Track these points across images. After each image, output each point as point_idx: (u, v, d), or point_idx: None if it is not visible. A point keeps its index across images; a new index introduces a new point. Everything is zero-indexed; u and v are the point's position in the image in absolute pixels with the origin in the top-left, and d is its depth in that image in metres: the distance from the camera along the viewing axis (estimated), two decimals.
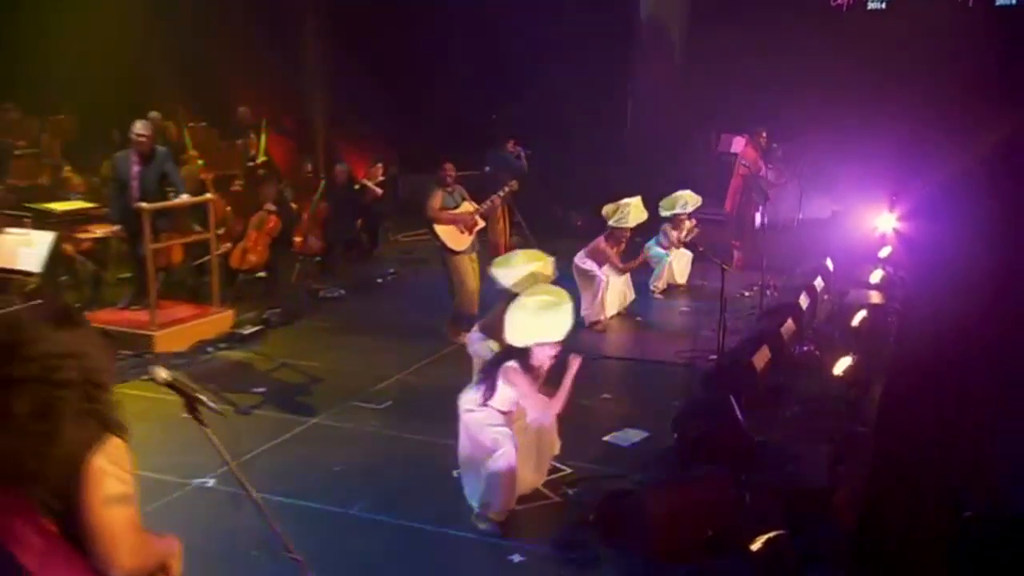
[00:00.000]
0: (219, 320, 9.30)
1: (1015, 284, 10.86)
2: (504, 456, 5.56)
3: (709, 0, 16.53)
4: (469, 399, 5.85)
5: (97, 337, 2.72)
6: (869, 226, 13.02)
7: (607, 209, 10.44)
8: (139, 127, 8.99)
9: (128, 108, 14.28)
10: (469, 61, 15.31)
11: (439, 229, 8.96)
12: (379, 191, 12.65)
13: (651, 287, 11.68)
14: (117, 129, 12.70)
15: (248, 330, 9.29)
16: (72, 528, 2.53)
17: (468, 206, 9.14)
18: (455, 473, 6.33)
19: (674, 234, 11.65)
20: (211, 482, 6.30)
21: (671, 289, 11.73)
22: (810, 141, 14.92)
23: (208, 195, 9.68)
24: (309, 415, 7.69)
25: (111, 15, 14.16)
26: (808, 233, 13.28)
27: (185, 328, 8.94)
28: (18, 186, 12.03)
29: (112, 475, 2.51)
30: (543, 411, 5.84)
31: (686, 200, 11.71)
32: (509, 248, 10.70)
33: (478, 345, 7.24)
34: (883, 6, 18.09)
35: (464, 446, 5.96)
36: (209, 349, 8.93)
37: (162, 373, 3.17)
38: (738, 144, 14.78)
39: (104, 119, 14.50)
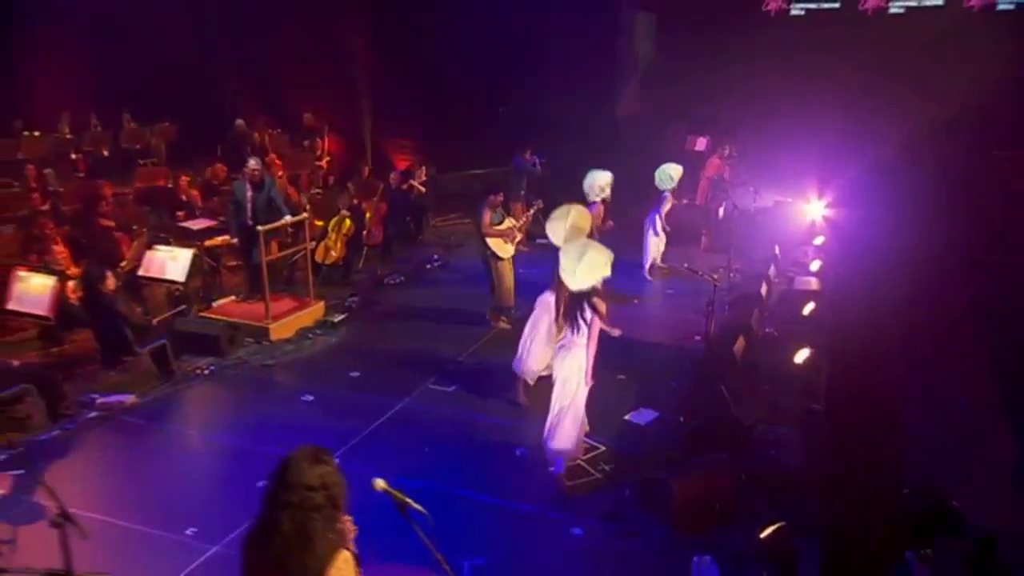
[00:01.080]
0: (315, 310, 9.66)
1: (921, 264, 10.64)
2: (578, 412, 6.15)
3: (674, 26, 16.75)
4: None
5: (338, 471, 3.26)
6: (804, 214, 12.84)
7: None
8: (253, 163, 9.43)
9: (217, 116, 14.69)
10: (486, 76, 15.38)
11: (490, 241, 9.17)
12: (423, 189, 13.04)
13: (646, 272, 11.52)
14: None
15: (337, 318, 9.68)
16: None
17: (510, 221, 9.34)
18: (518, 452, 6.80)
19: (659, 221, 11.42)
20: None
21: (654, 269, 11.59)
22: (759, 138, 15.07)
23: (304, 215, 9.97)
24: (397, 398, 7.78)
25: (198, 36, 14.32)
26: (759, 221, 13.11)
27: (290, 319, 9.30)
28: (141, 188, 12.41)
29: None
30: (610, 329, 6.27)
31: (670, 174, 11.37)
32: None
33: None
34: (803, 12, 18.29)
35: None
36: (309, 336, 9.28)
37: (380, 483, 3.36)
38: (701, 143, 15.17)
39: (197, 125, 14.83)
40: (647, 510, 5.83)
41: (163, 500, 6.06)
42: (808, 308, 9.30)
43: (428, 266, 11.94)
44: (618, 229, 10.10)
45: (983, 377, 8.09)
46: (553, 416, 6.21)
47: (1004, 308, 9.75)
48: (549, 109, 15.77)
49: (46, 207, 11.04)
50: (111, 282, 7.69)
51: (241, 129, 14.49)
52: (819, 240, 12.02)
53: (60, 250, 9.43)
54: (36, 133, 13.96)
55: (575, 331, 6.08)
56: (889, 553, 4.94)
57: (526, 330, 7.71)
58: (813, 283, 10.36)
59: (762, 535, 4.75)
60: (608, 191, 9.61)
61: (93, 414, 7.35)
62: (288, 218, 9.42)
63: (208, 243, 10.16)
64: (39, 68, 14.39)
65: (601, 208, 9.41)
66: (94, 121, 14.66)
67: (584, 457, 6.59)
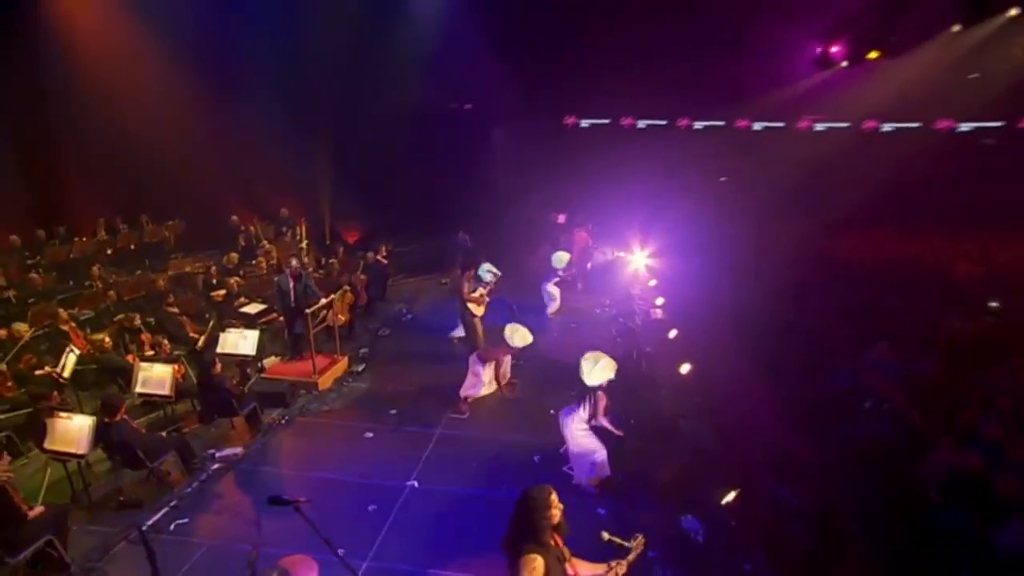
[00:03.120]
0: (342, 364, 9.51)
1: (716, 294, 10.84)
2: (602, 451, 6.32)
3: (524, 136, 17.38)
4: (576, 420, 6.33)
5: (550, 493, 3.69)
6: (632, 263, 12.83)
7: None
8: (294, 263, 9.25)
9: (216, 212, 13.83)
10: (418, 181, 15.41)
11: (469, 304, 9.27)
12: (385, 261, 13.05)
13: (548, 314, 11.63)
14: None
15: (360, 368, 9.58)
16: None
17: (482, 291, 9.41)
18: (536, 458, 6.98)
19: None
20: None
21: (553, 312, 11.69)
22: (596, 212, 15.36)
23: (333, 296, 9.75)
24: (432, 426, 7.77)
25: (193, 146, 13.45)
26: (609, 270, 13.39)
27: (329, 373, 9.15)
28: (173, 276, 11.63)
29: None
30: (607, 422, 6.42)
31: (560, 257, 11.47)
32: None
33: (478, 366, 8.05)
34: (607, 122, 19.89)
35: (573, 447, 6.41)
36: (344, 385, 9.07)
37: (606, 536, 3.74)
38: (561, 218, 15.90)
39: (203, 220, 13.94)
40: (641, 490, 6.36)
41: (304, 528, 5.88)
42: (672, 333, 9.38)
43: (403, 319, 11.91)
44: (524, 286, 10.43)
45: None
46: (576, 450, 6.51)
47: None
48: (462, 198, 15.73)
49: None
50: (219, 366, 7.47)
51: (235, 223, 13.83)
52: (653, 282, 12.32)
53: (146, 337, 8.86)
54: (83, 238, 12.67)
55: (582, 408, 6.37)
56: None
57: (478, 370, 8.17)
58: (660, 314, 10.65)
59: (724, 500, 5.29)
60: (491, 275, 9.58)
61: (216, 466, 7.12)
62: (323, 300, 9.32)
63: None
64: (67, 177, 12.97)
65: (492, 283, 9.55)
66: (120, 223, 13.45)
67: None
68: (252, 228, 13.67)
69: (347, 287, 10.88)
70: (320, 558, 3.56)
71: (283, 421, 8.10)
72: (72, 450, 6.14)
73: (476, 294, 9.43)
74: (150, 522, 6.16)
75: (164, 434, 7.21)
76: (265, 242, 13.14)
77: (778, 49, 17.94)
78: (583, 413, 6.36)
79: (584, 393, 6.35)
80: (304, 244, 13.58)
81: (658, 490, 6.26)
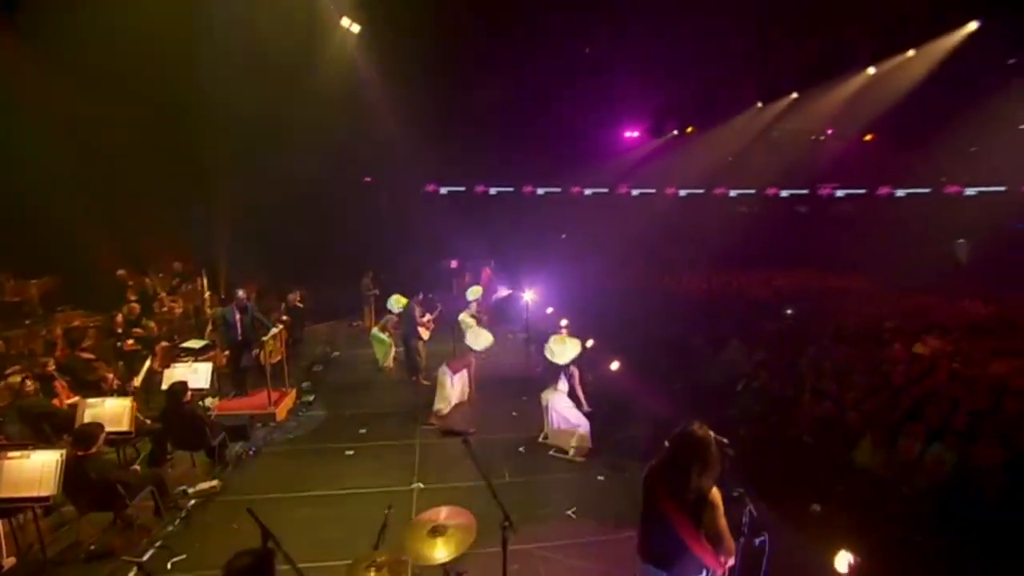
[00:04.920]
0: (291, 396, 8.57)
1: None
2: (585, 425, 6.37)
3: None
4: (560, 396, 6.39)
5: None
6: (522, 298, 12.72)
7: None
8: (241, 293, 8.19)
9: (93, 270, 11.63)
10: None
11: (419, 328, 9.08)
12: (301, 305, 11.98)
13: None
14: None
15: (311, 398, 8.67)
16: (699, 519, 3.17)
17: (429, 316, 9.26)
18: (521, 449, 6.82)
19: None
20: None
21: None
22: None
23: (281, 327, 8.76)
24: (410, 439, 7.26)
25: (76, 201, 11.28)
26: (506, 304, 13.53)
27: (283, 405, 8.16)
28: (65, 330, 9.47)
29: (717, 502, 3.21)
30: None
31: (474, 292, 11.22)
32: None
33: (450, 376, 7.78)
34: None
35: (555, 420, 6.39)
36: (299, 415, 8.13)
37: None
38: (454, 263, 16.04)
39: (78, 276, 11.58)
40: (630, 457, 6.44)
41: (329, 542, 5.12)
42: (590, 342, 9.39)
43: (331, 357, 11.01)
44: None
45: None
46: (562, 425, 6.57)
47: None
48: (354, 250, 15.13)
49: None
50: (189, 394, 6.25)
51: (123, 277, 11.78)
52: (550, 309, 12.70)
53: (60, 385, 7.10)
54: None
55: (562, 383, 6.57)
56: None
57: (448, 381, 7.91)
58: (566, 332, 11.27)
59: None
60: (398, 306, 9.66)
61: (192, 502, 5.86)
62: (275, 329, 8.29)
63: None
64: None
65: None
66: None
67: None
68: (147, 281, 11.72)
69: (281, 325, 9.76)
70: None
71: (250, 452, 6.93)
72: (34, 493, 4.68)
73: (425, 319, 9.14)
74: (143, 558, 4.86)
75: (137, 468, 5.78)
76: (163, 294, 11.33)
77: (601, 130, 20.41)
78: (563, 387, 6.46)
79: (559, 371, 6.52)
80: (208, 295, 11.95)
81: (642, 453, 6.37)
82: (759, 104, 16.17)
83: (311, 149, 14.18)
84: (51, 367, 7.05)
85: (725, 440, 4.22)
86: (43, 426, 6.33)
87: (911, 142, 16.83)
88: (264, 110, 12.59)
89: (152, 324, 9.40)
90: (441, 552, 3.22)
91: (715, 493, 3.21)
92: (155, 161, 12.26)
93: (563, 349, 6.53)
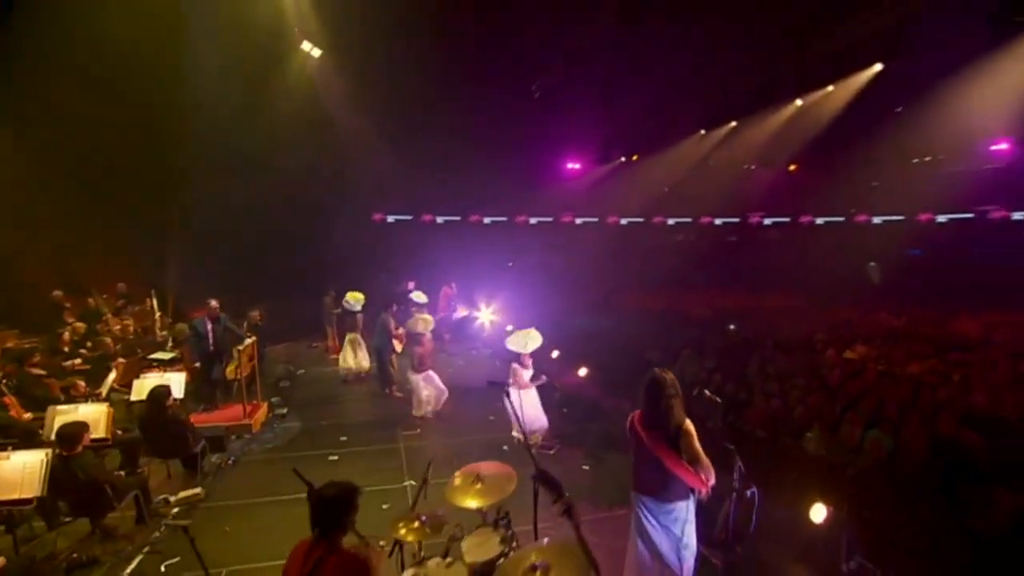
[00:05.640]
0: (264, 409, 8.35)
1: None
2: (543, 419, 6.61)
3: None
4: (525, 387, 6.52)
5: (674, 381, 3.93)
6: (481, 318, 13.32)
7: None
8: (214, 303, 7.99)
9: (23, 291, 10.88)
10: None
11: (394, 341, 9.09)
12: (261, 323, 11.60)
13: None
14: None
15: (284, 411, 8.49)
16: (676, 448, 3.54)
17: (401, 329, 9.24)
18: (505, 448, 6.96)
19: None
20: None
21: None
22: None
23: (252, 338, 8.53)
24: (392, 442, 7.25)
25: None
26: (464, 323, 13.66)
27: (257, 416, 7.97)
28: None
29: (691, 430, 3.57)
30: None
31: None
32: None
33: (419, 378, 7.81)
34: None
35: (528, 414, 6.53)
36: (274, 427, 7.94)
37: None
38: (411, 285, 15.96)
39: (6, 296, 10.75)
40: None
41: None
42: (555, 353, 9.92)
43: (297, 374, 10.77)
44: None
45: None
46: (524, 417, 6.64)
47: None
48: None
49: None
50: (172, 399, 6.08)
51: (59, 299, 11.12)
52: (510, 327, 13.00)
53: (10, 401, 6.67)
54: None
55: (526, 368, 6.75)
56: None
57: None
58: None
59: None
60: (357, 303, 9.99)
61: (176, 509, 5.67)
62: (248, 340, 8.12)
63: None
64: None
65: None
66: None
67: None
68: (91, 301, 11.09)
69: (247, 342, 9.51)
70: None
71: (229, 462, 6.74)
72: (16, 495, 4.44)
73: (399, 331, 9.21)
74: (130, 568, 4.67)
75: (121, 473, 5.51)
76: (108, 315, 10.76)
77: (545, 162, 21.34)
78: (526, 373, 6.59)
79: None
80: (158, 315, 11.43)
81: (618, 443, 6.70)
82: (702, 132, 17.48)
83: (264, 171, 14.07)
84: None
85: (717, 399, 4.70)
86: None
87: (827, 173, 18.67)
88: (216, 131, 12.42)
89: (108, 340, 8.92)
90: (481, 500, 3.39)
91: (688, 423, 3.66)
92: (95, 181, 11.84)
93: (526, 340, 6.60)
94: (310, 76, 13.83)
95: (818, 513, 4.68)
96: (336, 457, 6.94)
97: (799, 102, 14.67)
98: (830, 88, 13.76)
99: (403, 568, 3.48)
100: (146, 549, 4.98)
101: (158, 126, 12.07)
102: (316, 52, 13.24)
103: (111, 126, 11.44)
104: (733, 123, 16.21)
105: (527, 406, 6.55)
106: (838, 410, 7.36)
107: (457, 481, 3.60)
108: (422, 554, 3.54)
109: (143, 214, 12.69)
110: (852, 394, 8.01)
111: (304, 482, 3.18)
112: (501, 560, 3.17)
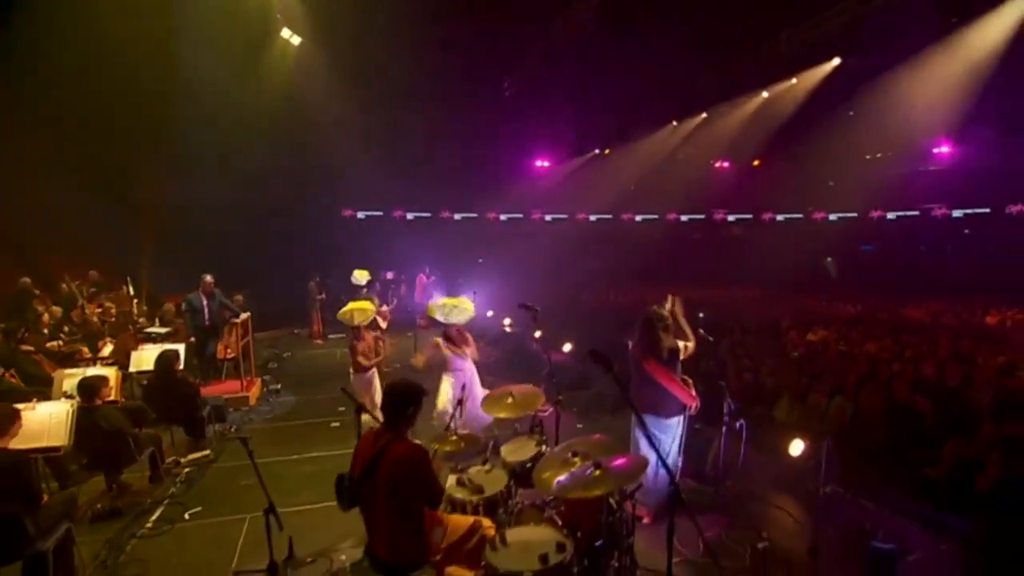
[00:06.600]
0: (258, 384, 8.56)
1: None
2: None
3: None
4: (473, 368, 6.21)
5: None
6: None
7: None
8: (208, 278, 8.12)
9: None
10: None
11: (378, 318, 9.10)
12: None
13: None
14: None
15: (278, 387, 8.67)
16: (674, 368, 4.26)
17: (387, 307, 9.33)
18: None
19: None
20: None
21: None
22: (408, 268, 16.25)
23: (247, 314, 8.61)
24: None
25: None
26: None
27: (253, 391, 8.13)
28: None
29: (681, 347, 4.35)
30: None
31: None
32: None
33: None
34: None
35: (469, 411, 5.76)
36: (269, 401, 8.12)
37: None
38: (390, 274, 16.20)
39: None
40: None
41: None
42: (537, 333, 10.80)
43: (284, 356, 10.87)
44: None
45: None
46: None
47: None
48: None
49: None
50: (180, 363, 6.26)
51: (27, 285, 10.92)
52: (491, 313, 13.07)
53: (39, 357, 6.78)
54: None
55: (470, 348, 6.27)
56: None
57: None
58: (510, 328, 11.86)
59: None
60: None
61: (187, 468, 5.85)
62: (244, 315, 8.26)
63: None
64: None
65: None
66: None
67: None
68: (64, 287, 10.91)
69: (235, 322, 9.60)
70: None
71: (232, 430, 6.92)
72: (45, 443, 4.60)
73: (384, 310, 9.41)
74: (154, 516, 4.88)
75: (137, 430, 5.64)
76: (83, 301, 10.62)
77: (514, 160, 21.83)
78: (472, 353, 6.08)
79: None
80: (135, 302, 11.32)
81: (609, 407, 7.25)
82: (674, 123, 18.25)
83: (240, 163, 14.07)
84: None
85: (709, 337, 5.28)
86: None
87: (789, 168, 19.75)
88: (190, 120, 12.42)
89: (95, 319, 8.88)
90: (512, 412, 4.01)
91: (678, 344, 4.37)
92: (65, 168, 11.69)
93: (451, 309, 6.10)
94: (289, 65, 13.93)
95: (796, 447, 5.25)
96: (338, 424, 7.18)
97: (765, 94, 15.44)
98: (793, 80, 14.56)
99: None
100: (166, 501, 5.16)
101: (134, 114, 12.02)
102: (296, 40, 13.35)
103: (86, 116, 11.37)
104: (703, 115, 17.01)
105: (472, 399, 5.61)
106: (806, 381, 8.06)
107: (490, 399, 4.01)
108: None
109: (113, 201, 12.53)
110: (816, 369, 8.75)
111: (352, 400, 3.50)
112: (539, 459, 3.54)
